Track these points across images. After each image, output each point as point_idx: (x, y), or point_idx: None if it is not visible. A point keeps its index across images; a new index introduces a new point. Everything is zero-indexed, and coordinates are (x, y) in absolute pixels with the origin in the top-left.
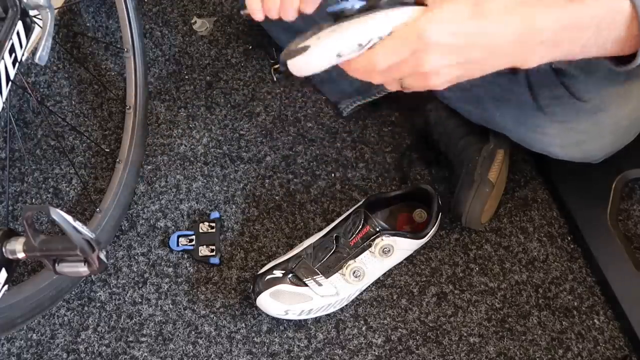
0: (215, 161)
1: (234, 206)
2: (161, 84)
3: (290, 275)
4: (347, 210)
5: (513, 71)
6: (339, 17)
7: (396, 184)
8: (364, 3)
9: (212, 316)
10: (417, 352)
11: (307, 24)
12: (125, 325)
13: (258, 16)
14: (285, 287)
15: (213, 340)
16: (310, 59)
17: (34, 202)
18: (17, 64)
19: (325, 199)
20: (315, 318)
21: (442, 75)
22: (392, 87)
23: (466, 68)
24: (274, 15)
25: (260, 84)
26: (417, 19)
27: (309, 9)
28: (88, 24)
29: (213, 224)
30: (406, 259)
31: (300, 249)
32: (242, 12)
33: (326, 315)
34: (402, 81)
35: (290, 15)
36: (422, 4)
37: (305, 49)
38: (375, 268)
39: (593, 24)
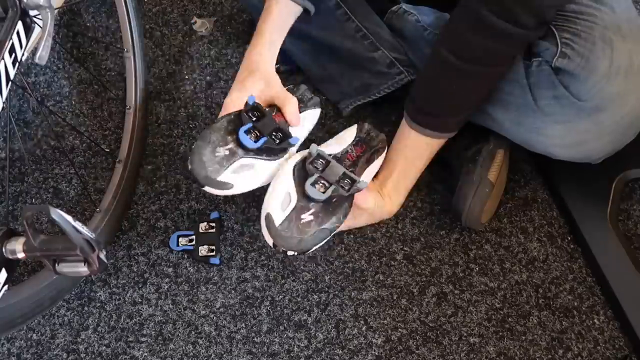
0: None
1: (234, 206)
2: (161, 84)
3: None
4: None
5: (513, 72)
6: None
7: None
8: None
9: (212, 316)
10: (417, 352)
11: (306, 21)
12: (125, 325)
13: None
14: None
15: (213, 340)
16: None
17: (34, 202)
18: (17, 64)
19: None
20: (316, 318)
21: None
22: None
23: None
24: None
25: None
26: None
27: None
28: (88, 24)
29: (213, 224)
30: (406, 259)
31: None
32: None
33: (326, 315)
34: None
35: None
36: None
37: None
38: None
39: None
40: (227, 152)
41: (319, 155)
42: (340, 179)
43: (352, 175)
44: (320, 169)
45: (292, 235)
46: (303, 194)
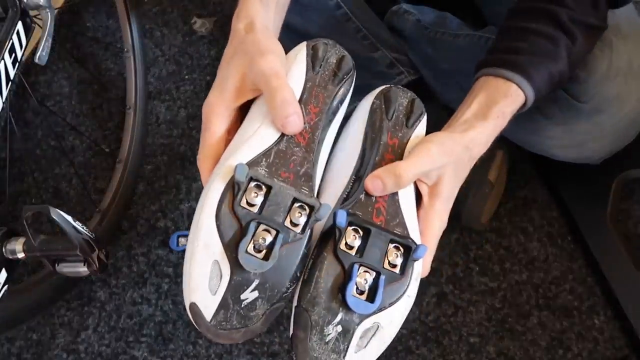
0: None
1: None
2: (161, 84)
3: None
4: None
5: None
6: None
7: None
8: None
9: None
10: (417, 352)
11: (305, 21)
12: (125, 325)
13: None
14: None
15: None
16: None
17: (34, 202)
18: (17, 64)
19: None
20: None
21: None
22: None
23: None
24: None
25: None
26: None
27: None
28: (88, 24)
29: None
30: None
31: None
32: None
33: None
34: None
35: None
36: None
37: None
38: None
39: (507, 120)
40: (339, 328)
41: (253, 181)
42: (289, 214)
43: (309, 198)
44: (258, 206)
45: (234, 328)
46: (237, 262)
